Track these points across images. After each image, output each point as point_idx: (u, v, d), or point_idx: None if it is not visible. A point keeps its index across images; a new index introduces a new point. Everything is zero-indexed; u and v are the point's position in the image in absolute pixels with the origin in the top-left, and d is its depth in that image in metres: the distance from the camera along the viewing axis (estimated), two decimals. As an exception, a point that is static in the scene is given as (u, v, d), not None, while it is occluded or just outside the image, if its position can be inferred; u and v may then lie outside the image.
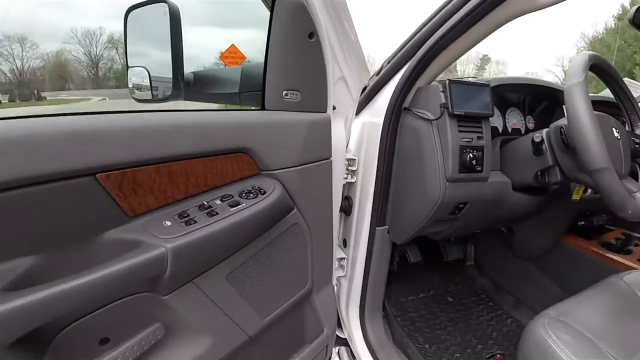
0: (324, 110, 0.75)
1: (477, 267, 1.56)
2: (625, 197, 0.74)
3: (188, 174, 0.55)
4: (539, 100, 1.20)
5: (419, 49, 0.85)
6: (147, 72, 0.70)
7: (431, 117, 0.88)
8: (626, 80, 2.39)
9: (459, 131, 0.88)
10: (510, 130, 1.12)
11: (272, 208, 0.61)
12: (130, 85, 0.72)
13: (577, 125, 0.74)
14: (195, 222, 0.52)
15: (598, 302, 0.84)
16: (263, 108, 0.69)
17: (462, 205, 0.94)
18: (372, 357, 1.05)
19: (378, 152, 0.95)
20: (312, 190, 0.76)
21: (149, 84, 0.70)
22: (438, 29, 0.81)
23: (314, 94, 0.72)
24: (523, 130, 1.16)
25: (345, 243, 1.10)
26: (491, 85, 0.93)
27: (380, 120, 0.94)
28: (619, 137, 0.86)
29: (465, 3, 0.75)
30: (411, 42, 0.87)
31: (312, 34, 0.66)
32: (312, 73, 0.71)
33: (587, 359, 0.67)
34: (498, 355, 1.13)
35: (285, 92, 0.68)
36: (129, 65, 0.72)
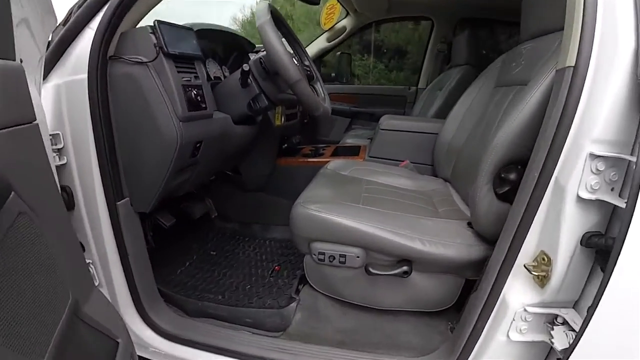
0: (12, 57, 0.53)
1: (221, 217, 1.67)
2: (317, 100, 1.01)
3: None
4: (230, 51, 1.37)
5: None
6: None
7: (145, 59, 0.83)
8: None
9: (178, 71, 0.88)
10: (213, 77, 1.22)
11: None
12: None
13: (274, 52, 0.91)
14: None
15: (320, 183, 1.18)
16: None
17: (199, 145, 0.98)
18: (178, 342, 0.96)
19: (90, 114, 0.80)
20: (28, 166, 0.54)
21: None
22: None
23: None
24: (223, 78, 1.28)
25: (83, 247, 0.89)
26: (194, 29, 0.98)
27: (82, 76, 0.80)
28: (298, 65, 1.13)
29: None
30: None
31: None
32: None
33: (330, 210, 0.94)
34: (276, 267, 1.32)
35: None
36: None
